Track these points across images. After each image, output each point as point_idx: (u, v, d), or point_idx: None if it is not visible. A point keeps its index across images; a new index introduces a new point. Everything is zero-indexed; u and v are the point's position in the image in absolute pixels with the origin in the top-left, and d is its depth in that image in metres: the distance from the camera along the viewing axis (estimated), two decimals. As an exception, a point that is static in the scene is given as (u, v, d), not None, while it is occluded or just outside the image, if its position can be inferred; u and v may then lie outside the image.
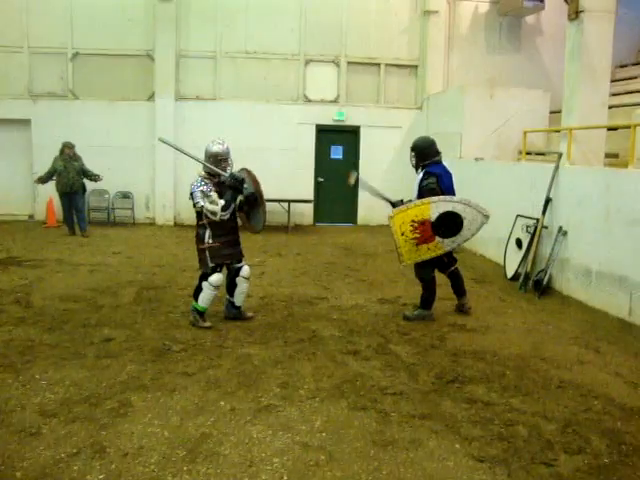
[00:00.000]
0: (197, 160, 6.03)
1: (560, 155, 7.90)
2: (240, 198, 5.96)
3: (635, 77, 12.28)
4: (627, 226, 6.42)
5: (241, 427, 3.93)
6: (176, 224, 13.32)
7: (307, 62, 13.78)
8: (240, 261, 6.20)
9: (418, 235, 6.20)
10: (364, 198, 13.98)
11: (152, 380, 4.67)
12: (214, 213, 5.79)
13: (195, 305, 6.06)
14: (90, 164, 11.68)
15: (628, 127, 7.38)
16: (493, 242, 9.77)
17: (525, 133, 9.61)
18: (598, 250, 6.95)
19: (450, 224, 6.18)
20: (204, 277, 6.01)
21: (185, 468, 3.41)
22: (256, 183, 6.11)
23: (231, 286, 6.22)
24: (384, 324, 6.33)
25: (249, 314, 6.42)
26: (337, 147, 14.27)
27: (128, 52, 13.23)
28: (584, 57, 7.73)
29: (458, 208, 6.21)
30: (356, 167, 13.99)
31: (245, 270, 6.20)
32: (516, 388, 4.67)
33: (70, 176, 11.33)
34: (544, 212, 7.99)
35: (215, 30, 13.36)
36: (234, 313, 6.32)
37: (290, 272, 8.85)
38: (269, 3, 13.45)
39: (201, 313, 6.05)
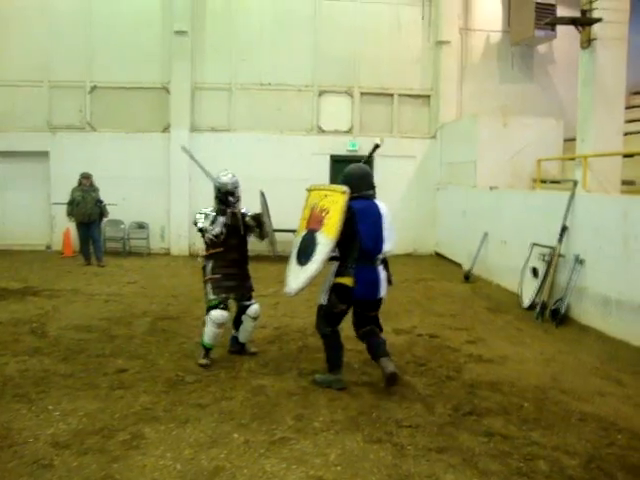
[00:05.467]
0: (210, 177, 5.92)
1: (575, 183, 7.86)
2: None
3: (650, 104, 12.25)
4: (646, 254, 6.34)
5: (255, 460, 3.86)
6: (191, 254, 13.33)
7: (321, 93, 13.92)
8: (250, 299, 6.00)
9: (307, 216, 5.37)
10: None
11: (165, 412, 4.62)
12: (206, 231, 5.67)
13: (202, 341, 5.83)
14: (106, 194, 11.83)
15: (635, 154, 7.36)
16: (508, 271, 9.67)
17: (539, 161, 9.58)
18: (617, 278, 6.85)
19: (307, 246, 5.16)
20: (207, 311, 5.80)
21: (198, 503, 3.35)
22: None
23: (237, 321, 6.06)
24: (399, 355, 6.22)
25: (253, 349, 6.19)
26: (351, 177, 14.28)
27: (145, 85, 13.47)
28: (597, 84, 7.75)
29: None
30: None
31: (253, 309, 5.95)
32: (535, 421, 4.56)
33: (88, 206, 11.48)
34: (560, 240, 7.90)
35: (230, 63, 13.57)
36: (237, 348, 6.13)
37: (304, 302, 8.73)
38: (283, 35, 13.67)
39: (206, 349, 5.80)
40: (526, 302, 8.52)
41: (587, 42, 7.61)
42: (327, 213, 5.01)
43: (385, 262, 5.25)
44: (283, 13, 13.70)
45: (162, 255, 13.37)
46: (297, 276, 5.12)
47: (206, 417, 4.53)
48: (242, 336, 6.06)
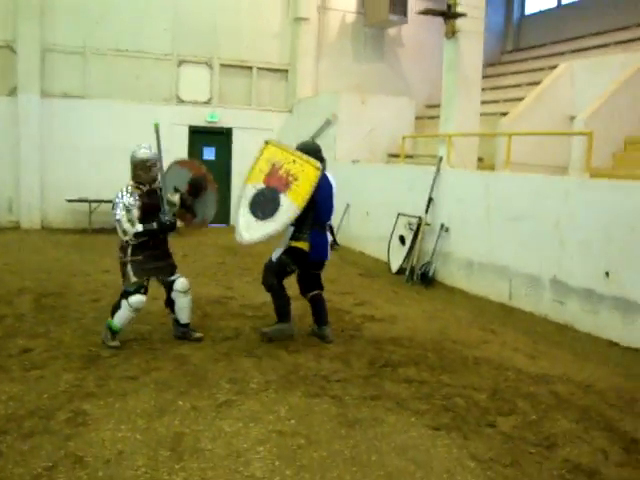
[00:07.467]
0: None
1: (440, 159, 8.77)
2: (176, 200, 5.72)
3: (484, 89, 13.72)
4: (507, 222, 7.38)
5: (210, 423, 4.04)
6: (44, 227, 12.53)
7: (180, 63, 13.64)
8: (172, 274, 5.70)
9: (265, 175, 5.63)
10: (236, 198, 14.14)
11: (97, 387, 4.57)
12: (125, 233, 5.34)
13: (110, 322, 5.45)
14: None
15: (494, 135, 8.43)
16: (373, 240, 10.49)
17: (404, 138, 10.44)
18: (479, 244, 7.87)
19: (266, 203, 5.49)
20: (125, 294, 5.44)
21: (177, 466, 3.48)
22: (195, 168, 5.90)
23: (170, 302, 5.74)
24: (299, 318, 6.53)
25: (197, 334, 5.81)
26: (210, 148, 14.29)
27: (-16, 42, 12.19)
28: (459, 71, 8.71)
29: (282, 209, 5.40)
30: (228, 168, 14.13)
31: (179, 283, 5.64)
32: (441, 367, 5.26)
33: None
34: (427, 211, 8.80)
35: (84, 25, 12.68)
36: (181, 332, 5.78)
37: (185, 273, 8.69)
38: (141, 1, 13.11)
39: (114, 332, 5.47)
40: (395, 267, 9.38)
41: (452, 33, 8.50)
42: (296, 180, 5.39)
43: (331, 227, 5.99)
44: (141, -24, 13.12)
45: (11, 229, 12.33)
46: (251, 227, 5.45)
47: (142, 388, 4.57)
48: (181, 316, 5.74)
